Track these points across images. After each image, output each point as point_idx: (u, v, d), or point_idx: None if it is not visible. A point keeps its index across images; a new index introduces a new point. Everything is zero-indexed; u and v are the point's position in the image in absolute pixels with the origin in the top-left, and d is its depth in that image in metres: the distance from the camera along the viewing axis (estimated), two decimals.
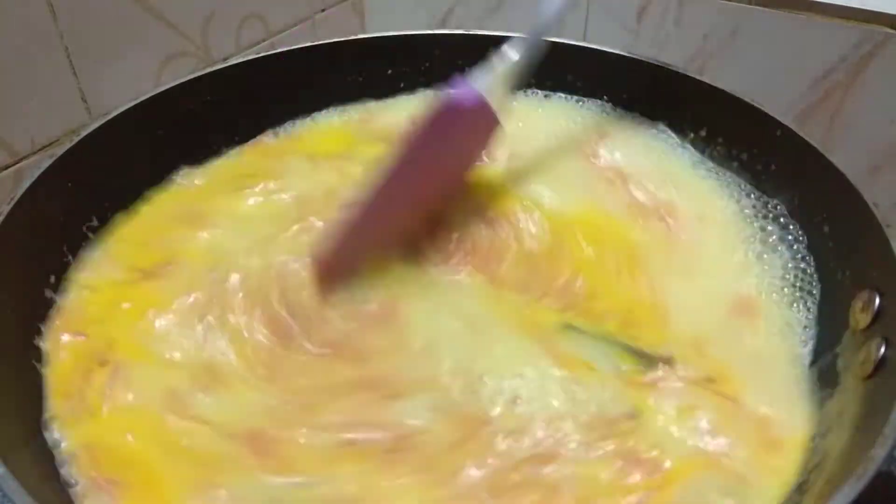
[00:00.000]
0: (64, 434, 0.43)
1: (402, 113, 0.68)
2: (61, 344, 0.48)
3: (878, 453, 0.34)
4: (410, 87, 0.71)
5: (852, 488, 0.33)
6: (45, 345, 0.48)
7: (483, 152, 0.60)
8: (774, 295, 0.51)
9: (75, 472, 0.41)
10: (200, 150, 0.64)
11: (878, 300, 0.44)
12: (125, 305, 0.51)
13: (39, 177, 0.51)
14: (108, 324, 0.49)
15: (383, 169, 0.50)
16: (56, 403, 0.45)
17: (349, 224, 0.50)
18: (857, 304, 0.46)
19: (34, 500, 0.33)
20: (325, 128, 0.69)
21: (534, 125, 0.66)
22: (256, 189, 0.61)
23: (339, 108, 0.70)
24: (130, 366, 0.47)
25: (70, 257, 0.53)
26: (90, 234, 0.56)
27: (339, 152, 0.65)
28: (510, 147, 0.62)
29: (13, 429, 0.41)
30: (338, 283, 0.51)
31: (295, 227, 0.57)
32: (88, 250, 0.55)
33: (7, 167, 0.64)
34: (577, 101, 0.68)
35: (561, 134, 0.66)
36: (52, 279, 0.51)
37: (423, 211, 0.56)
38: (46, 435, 0.43)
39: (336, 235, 0.50)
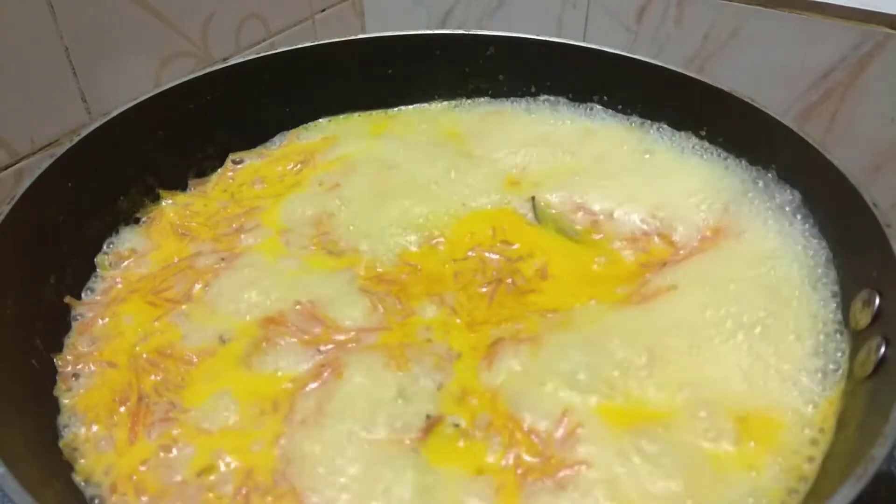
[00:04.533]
0: None
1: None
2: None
3: (879, 453, 0.34)
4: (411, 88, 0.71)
5: (852, 488, 0.33)
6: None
7: None
8: None
9: None
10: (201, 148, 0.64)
11: (878, 300, 0.44)
12: None
13: (39, 177, 0.51)
14: None
15: None
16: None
17: None
18: (857, 304, 0.46)
19: (34, 499, 0.34)
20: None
21: None
22: None
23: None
24: None
25: (70, 259, 0.54)
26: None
27: None
28: None
29: None
30: None
31: None
32: None
33: (7, 167, 0.64)
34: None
35: None
36: (52, 279, 0.51)
37: None
38: None
39: None
